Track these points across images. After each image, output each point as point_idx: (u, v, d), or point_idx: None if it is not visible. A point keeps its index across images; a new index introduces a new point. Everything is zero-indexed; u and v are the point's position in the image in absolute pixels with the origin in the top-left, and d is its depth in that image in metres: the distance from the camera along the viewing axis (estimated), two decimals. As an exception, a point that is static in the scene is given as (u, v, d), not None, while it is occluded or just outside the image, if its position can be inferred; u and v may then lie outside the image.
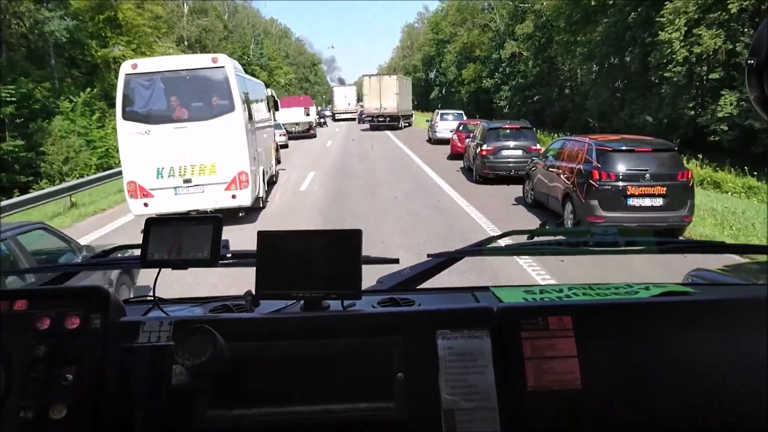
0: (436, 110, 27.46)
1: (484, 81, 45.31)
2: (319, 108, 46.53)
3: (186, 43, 38.47)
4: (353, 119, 49.60)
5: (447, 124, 23.49)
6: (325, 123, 44.18)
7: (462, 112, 26.74)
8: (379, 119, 35.14)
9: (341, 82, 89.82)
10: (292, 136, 29.63)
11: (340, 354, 1.04)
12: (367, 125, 37.12)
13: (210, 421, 0.98)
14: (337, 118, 52.33)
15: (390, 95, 34.74)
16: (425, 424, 0.99)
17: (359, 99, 47.17)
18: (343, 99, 51.78)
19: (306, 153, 22.49)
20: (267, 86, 16.07)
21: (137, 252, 1.20)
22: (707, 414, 1.01)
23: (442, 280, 1.63)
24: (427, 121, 27.71)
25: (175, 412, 0.99)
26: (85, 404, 0.98)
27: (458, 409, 0.98)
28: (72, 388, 0.99)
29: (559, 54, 31.28)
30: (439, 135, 23.39)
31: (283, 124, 29.58)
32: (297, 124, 30.78)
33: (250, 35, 59.23)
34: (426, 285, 1.54)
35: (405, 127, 37.01)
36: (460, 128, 19.11)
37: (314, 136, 31.63)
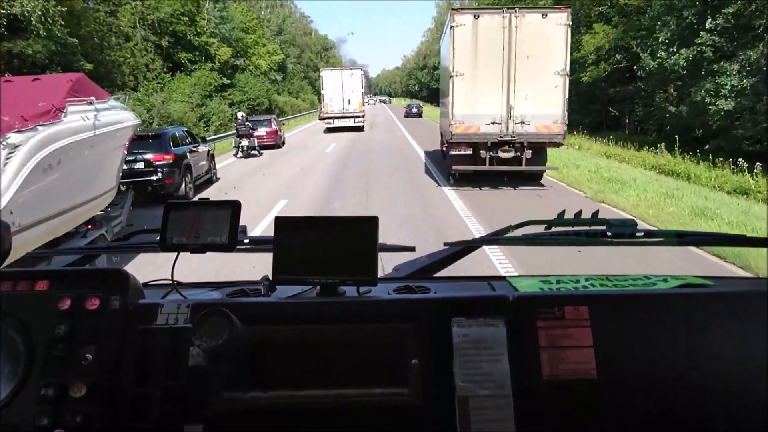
0: None
1: (671, 53, 20.25)
2: (242, 115, 19.52)
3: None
4: (357, 127, 28.39)
5: None
6: (255, 151, 18.65)
7: None
8: (506, 154, 10.40)
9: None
10: None
11: (356, 339, 1.04)
12: (444, 176, 12.43)
13: (226, 403, 0.99)
14: (329, 126, 28.21)
15: (547, 78, 9.98)
16: (439, 411, 0.98)
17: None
18: (338, 92, 27.91)
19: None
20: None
21: (156, 236, 1.18)
22: (724, 406, 1.00)
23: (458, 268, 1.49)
24: None
25: (191, 393, 0.99)
26: (104, 383, 1.00)
27: (472, 396, 0.97)
28: (92, 367, 1.00)
29: None
30: None
31: None
32: None
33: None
34: (442, 273, 1.51)
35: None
36: None
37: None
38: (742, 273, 5.69)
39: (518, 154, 10.44)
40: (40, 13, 15.69)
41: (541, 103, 10.01)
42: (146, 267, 1.80)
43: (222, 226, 1.13)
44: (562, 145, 10.58)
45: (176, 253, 1.18)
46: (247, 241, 1.39)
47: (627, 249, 1.39)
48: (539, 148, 10.65)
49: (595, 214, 1.48)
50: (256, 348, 1.01)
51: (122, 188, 8.09)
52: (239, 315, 0.97)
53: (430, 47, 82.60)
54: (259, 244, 1.40)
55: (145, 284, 1.27)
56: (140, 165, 9.36)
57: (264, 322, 1.04)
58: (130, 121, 7.07)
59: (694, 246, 1.86)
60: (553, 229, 1.47)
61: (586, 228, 1.46)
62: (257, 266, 1.41)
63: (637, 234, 1.37)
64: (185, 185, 10.03)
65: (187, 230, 1.13)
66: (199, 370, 0.99)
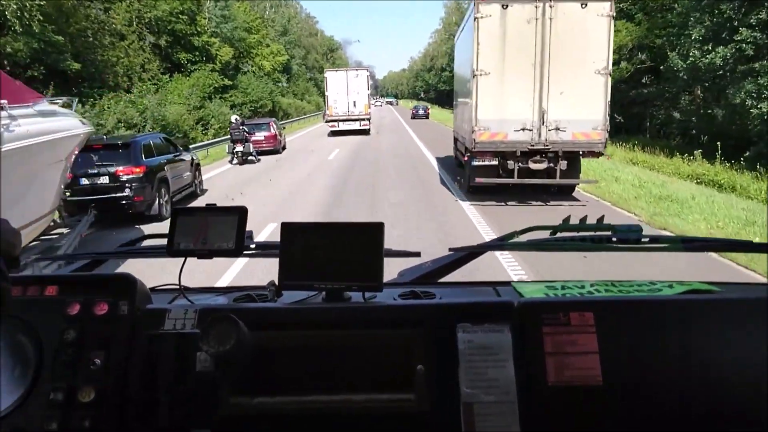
0: None
1: (705, 51, 18.58)
2: (236, 119, 17.45)
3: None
4: (363, 131, 26.86)
5: None
6: (252, 158, 17.27)
7: None
8: (538, 165, 8.86)
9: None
10: None
11: (362, 345, 1.04)
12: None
13: (233, 408, 1.00)
14: (333, 130, 26.77)
15: (586, 78, 8.51)
16: (444, 416, 0.99)
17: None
18: (343, 93, 26.53)
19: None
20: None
21: (164, 241, 1.19)
22: (729, 412, 1.00)
23: (469, 270, 1.52)
24: None
25: (199, 397, 1.00)
26: (113, 388, 1.00)
27: (477, 403, 0.98)
28: (100, 372, 1.01)
29: None
30: None
31: None
32: None
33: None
34: (447, 279, 1.50)
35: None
36: None
37: None
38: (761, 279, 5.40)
39: (551, 164, 8.92)
40: (15, 7, 14.27)
41: (580, 106, 8.51)
42: (147, 271, 1.73)
43: (229, 232, 1.14)
44: (602, 154, 9.07)
45: (183, 259, 1.18)
46: (253, 246, 1.38)
47: (638, 252, 1.36)
48: (575, 158, 9.12)
49: (601, 219, 1.43)
50: (262, 353, 1.01)
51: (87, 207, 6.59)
52: (246, 320, 0.97)
53: (438, 48, 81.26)
54: (265, 250, 1.40)
55: (152, 289, 1.30)
56: (104, 180, 7.90)
57: (270, 328, 1.05)
58: (77, 129, 5.60)
59: (700, 251, 1.73)
60: (559, 234, 1.44)
61: (592, 233, 1.41)
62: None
63: (643, 240, 1.35)
64: (159, 202, 8.55)
65: (195, 236, 1.14)
66: (207, 376, 0.99)
